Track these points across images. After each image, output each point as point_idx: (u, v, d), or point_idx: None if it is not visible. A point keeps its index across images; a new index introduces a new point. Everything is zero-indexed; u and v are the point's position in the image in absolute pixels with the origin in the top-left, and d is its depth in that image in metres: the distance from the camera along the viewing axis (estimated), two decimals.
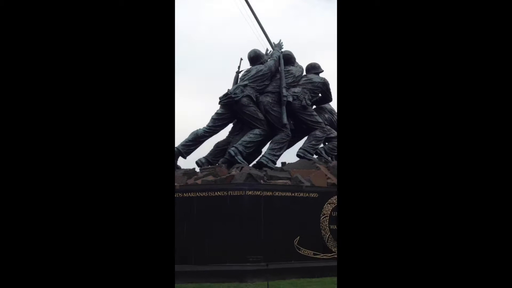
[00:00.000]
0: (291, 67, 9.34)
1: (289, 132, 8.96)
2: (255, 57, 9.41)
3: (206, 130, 8.86)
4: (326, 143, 9.66)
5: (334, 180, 7.84)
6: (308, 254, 6.24)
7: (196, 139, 8.78)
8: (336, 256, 6.34)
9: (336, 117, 9.91)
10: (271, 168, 8.28)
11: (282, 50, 9.75)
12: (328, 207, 6.58)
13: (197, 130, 8.88)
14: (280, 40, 10.05)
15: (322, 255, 6.32)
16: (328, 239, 6.44)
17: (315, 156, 9.13)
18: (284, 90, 8.85)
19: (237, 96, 8.65)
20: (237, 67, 9.65)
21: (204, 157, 9.01)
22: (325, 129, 9.27)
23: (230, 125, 9.43)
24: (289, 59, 9.45)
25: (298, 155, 9.02)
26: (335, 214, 6.58)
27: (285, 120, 8.75)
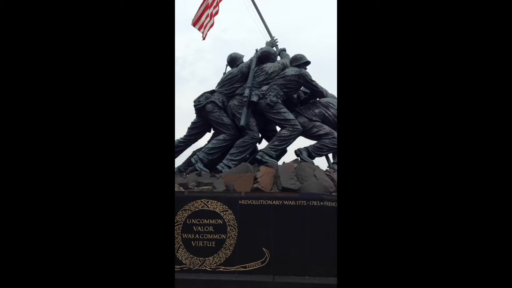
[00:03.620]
0: (266, 64, 8.83)
1: (255, 134, 8.52)
2: (231, 61, 9.39)
3: (181, 140, 9.13)
4: (316, 142, 8.58)
5: (262, 185, 7.03)
6: None
7: None
8: (187, 267, 5.80)
9: (331, 110, 8.73)
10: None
11: (275, 47, 9.34)
12: (183, 214, 5.99)
13: None
14: (273, 38, 9.62)
15: None
16: (178, 249, 5.85)
17: (273, 160, 8.19)
18: (247, 90, 8.46)
19: (200, 104, 8.68)
20: (222, 73, 9.67)
21: (177, 167, 9.19)
22: (296, 127, 8.30)
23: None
24: (266, 56, 9.00)
25: (256, 158, 8.34)
26: (190, 221, 5.95)
27: (242, 122, 8.31)
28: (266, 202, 5.95)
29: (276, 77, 8.61)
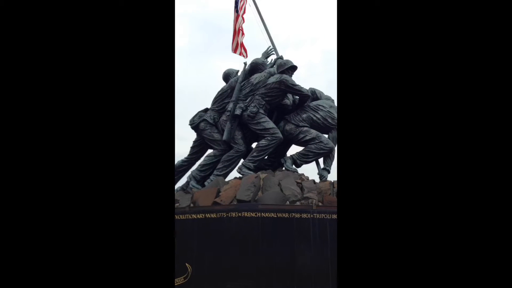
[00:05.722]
0: (253, 76, 8.84)
1: (240, 148, 8.43)
2: (225, 77, 9.56)
3: (184, 160, 9.50)
4: (303, 148, 8.20)
5: (222, 198, 6.98)
6: None
7: (176, 169, 9.49)
8: None
9: (320, 113, 8.33)
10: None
11: (274, 56, 9.34)
12: None
13: (177, 162, 9.59)
14: (268, 47, 9.57)
15: None
16: None
17: (250, 172, 7.96)
18: (230, 104, 8.55)
19: (194, 123, 9.00)
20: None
21: (181, 186, 9.52)
22: (275, 136, 8.03)
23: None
24: (254, 67, 9.03)
25: (238, 171, 8.22)
26: None
27: (225, 136, 8.35)
28: (191, 216, 5.89)
29: (260, 87, 8.44)
